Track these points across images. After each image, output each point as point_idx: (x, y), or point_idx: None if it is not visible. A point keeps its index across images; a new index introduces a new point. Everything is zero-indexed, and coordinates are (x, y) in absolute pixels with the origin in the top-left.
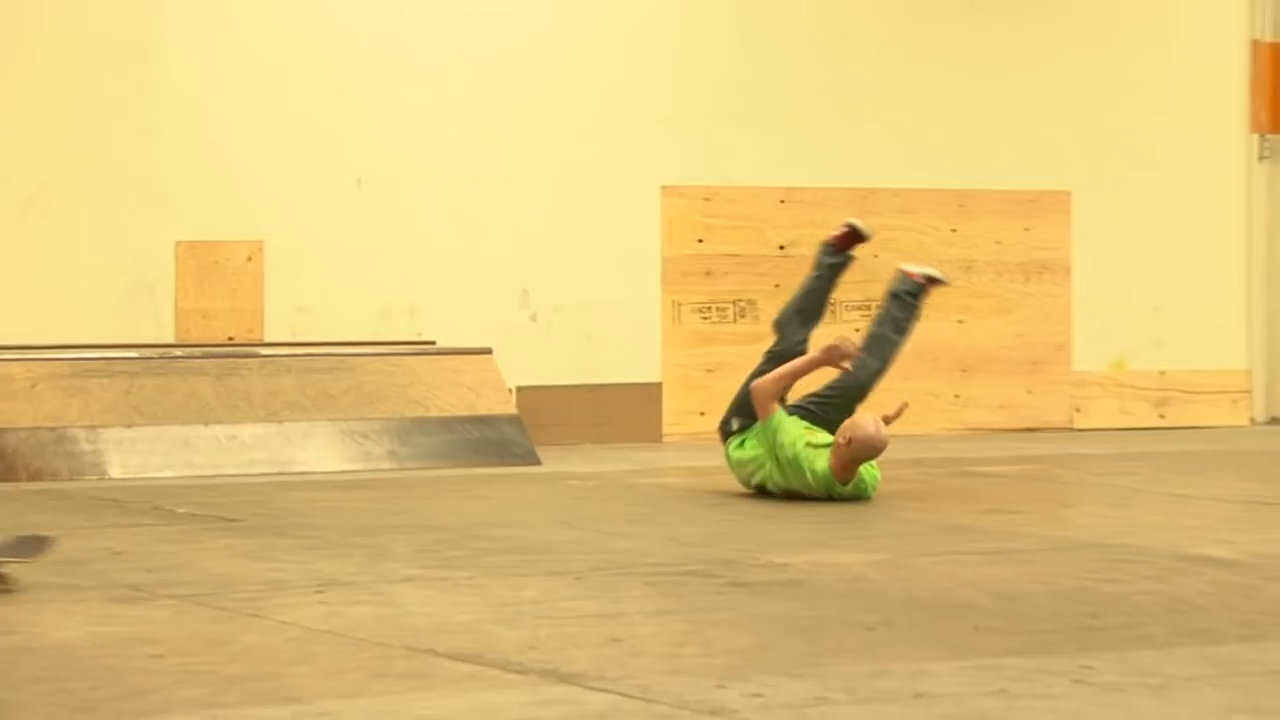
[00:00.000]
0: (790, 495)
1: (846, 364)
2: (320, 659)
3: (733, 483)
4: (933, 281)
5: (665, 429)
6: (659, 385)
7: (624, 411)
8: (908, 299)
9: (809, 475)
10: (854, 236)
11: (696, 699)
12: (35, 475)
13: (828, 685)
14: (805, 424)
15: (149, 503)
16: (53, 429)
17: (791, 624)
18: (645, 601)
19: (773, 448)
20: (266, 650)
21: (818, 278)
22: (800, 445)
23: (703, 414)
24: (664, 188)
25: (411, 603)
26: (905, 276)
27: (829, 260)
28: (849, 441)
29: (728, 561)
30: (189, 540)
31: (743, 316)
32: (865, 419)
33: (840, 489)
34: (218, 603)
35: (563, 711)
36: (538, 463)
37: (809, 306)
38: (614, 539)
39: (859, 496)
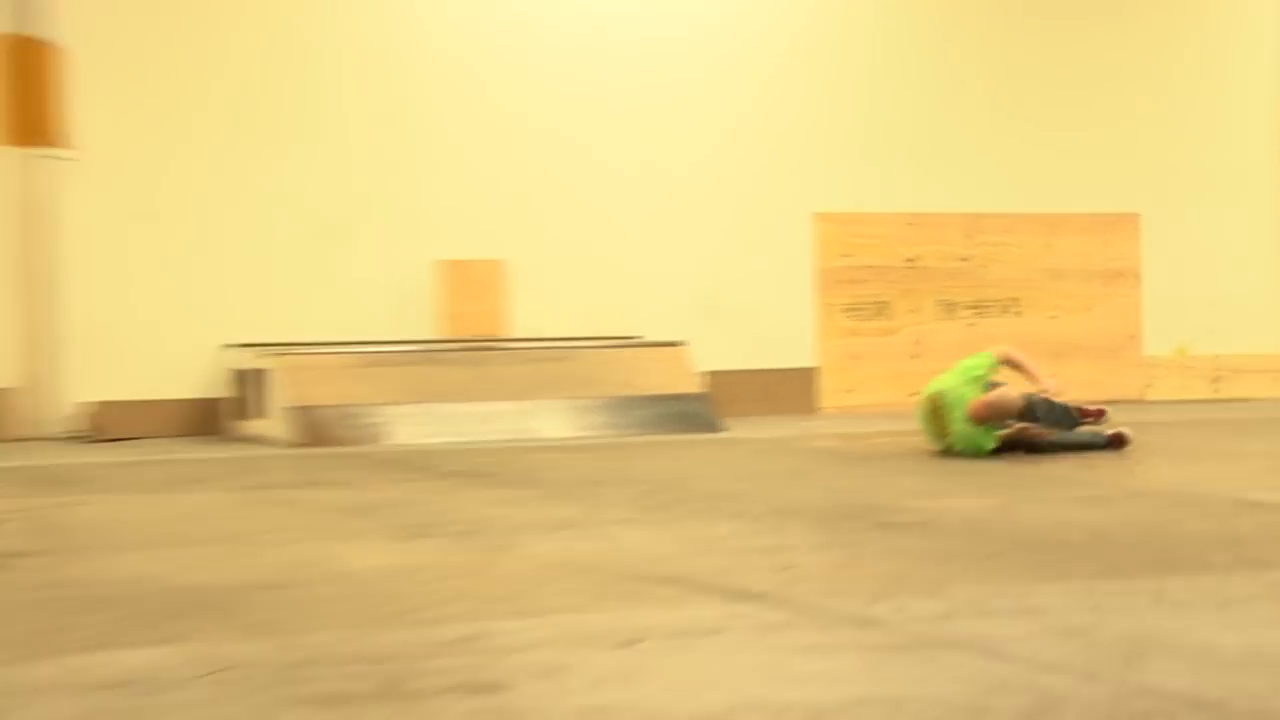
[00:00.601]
0: (930, 456)
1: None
2: (558, 583)
3: (875, 445)
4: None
5: (821, 403)
6: (815, 369)
7: (788, 390)
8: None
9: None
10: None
11: (852, 613)
12: (338, 441)
13: (956, 603)
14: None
15: (423, 463)
16: (351, 406)
17: (925, 555)
18: (809, 537)
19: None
20: (516, 576)
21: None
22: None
23: (850, 391)
24: (816, 214)
25: (626, 539)
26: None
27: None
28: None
29: (873, 506)
30: (454, 492)
31: (880, 315)
32: (1013, 392)
33: (967, 428)
34: (477, 540)
35: (749, 623)
36: (722, 430)
37: None
38: (782, 489)
39: (975, 447)
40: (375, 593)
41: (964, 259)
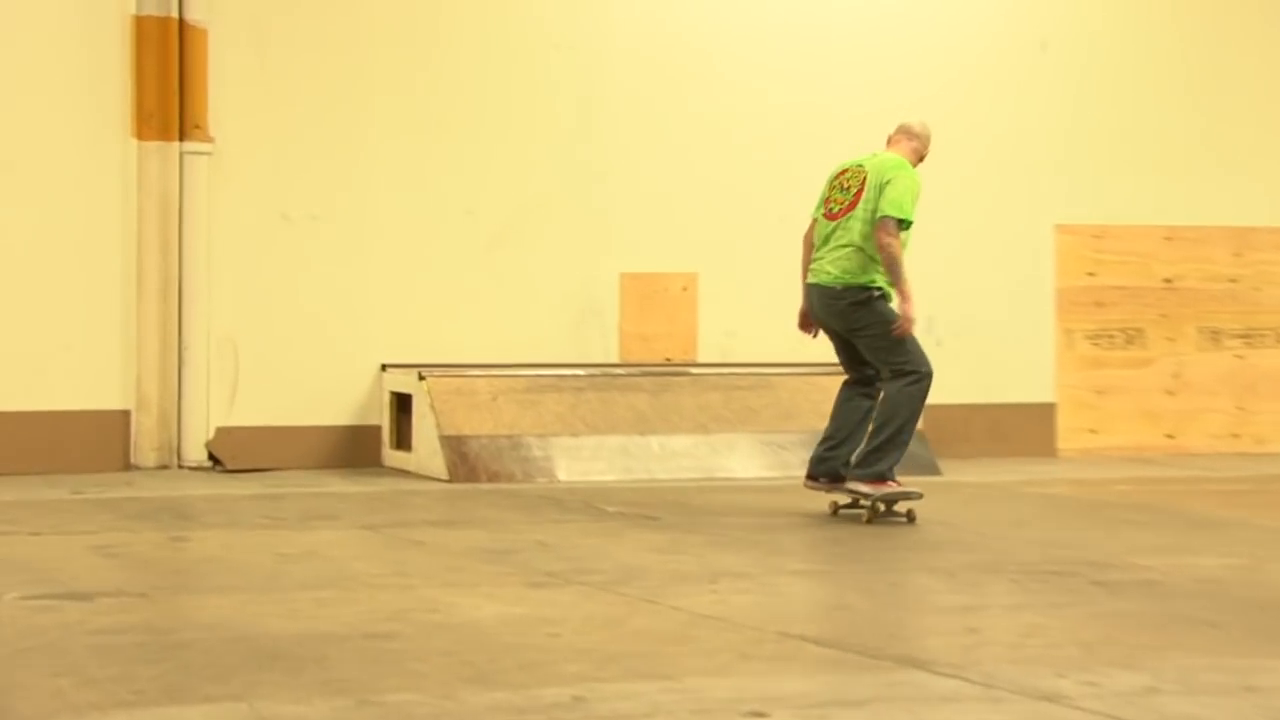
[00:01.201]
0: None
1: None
2: (698, 641)
3: (1115, 492)
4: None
5: (1059, 444)
6: (1053, 405)
7: (1020, 428)
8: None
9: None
10: None
11: (1033, 686)
12: (493, 477)
13: (1162, 677)
14: None
15: (584, 501)
16: (510, 436)
17: (1138, 620)
18: (1005, 596)
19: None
20: (652, 632)
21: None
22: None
23: (1094, 431)
24: (1057, 226)
25: (793, 592)
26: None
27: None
28: None
29: (1093, 562)
30: (610, 535)
31: (1130, 344)
32: None
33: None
34: (620, 589)
35: (905, 693)
36: (937, 473)
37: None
38: (991, 540)
39: None
40: (484, 647)
41: (1232, 280)
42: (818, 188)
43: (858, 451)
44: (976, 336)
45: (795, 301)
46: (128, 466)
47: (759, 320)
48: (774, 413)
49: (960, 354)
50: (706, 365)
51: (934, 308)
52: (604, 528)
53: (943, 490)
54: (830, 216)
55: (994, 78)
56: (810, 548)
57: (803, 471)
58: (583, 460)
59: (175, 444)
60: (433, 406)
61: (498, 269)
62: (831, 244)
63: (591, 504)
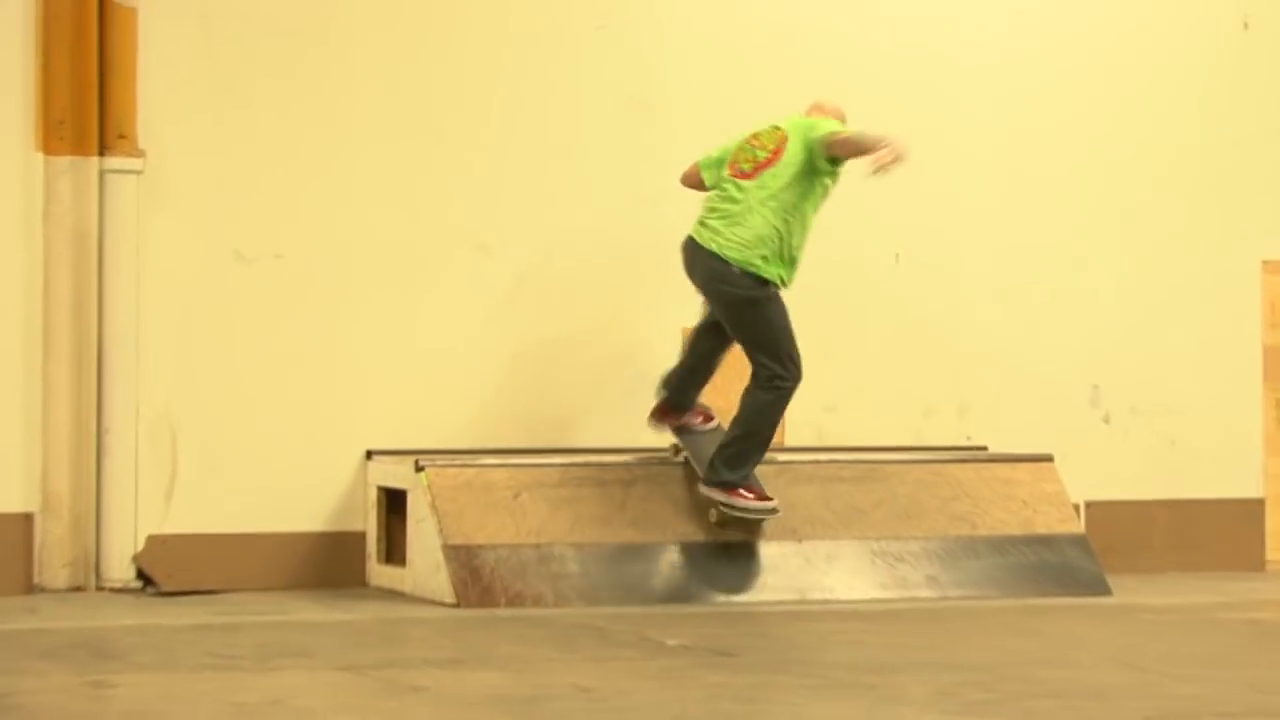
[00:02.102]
0: None
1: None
2: None
3: None
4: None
5: (1269, 554)
6: (1261, 501)
7: (1216, 532)
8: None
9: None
10: None
11: None
12: (515, 600)
13: None
14: None
15: (636, 632)
16: (537, 546)
17: None
18: None
19: None
20: None
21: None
22: None
23: None
24: (1265, 263)
25: None
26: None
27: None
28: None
29: None
30: (671, 676)
31: None
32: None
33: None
34: None
35: None
36: (1108, 592)
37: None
38: (1182, 684)
39: None
40: None
41: None
42: (942, 216)
43: (711, 455)
44: (1158, 412)
45: (918, 363)
46: (30, 588)
47: (869, 389)
48: (888, 512)
49: (1136, 435)
50: (798, 450)
51: (1100, 375)
52: (662, 667)
53: (1115, 616)
54: (740, 175)
55: (1182, 64)
56: (938, 695)
57: (926, 592)
58: (633, 576)
59: (93, 558)
60: (434, 506)
61: (520, 323)
62: (738, 209)
63: (646, 635)
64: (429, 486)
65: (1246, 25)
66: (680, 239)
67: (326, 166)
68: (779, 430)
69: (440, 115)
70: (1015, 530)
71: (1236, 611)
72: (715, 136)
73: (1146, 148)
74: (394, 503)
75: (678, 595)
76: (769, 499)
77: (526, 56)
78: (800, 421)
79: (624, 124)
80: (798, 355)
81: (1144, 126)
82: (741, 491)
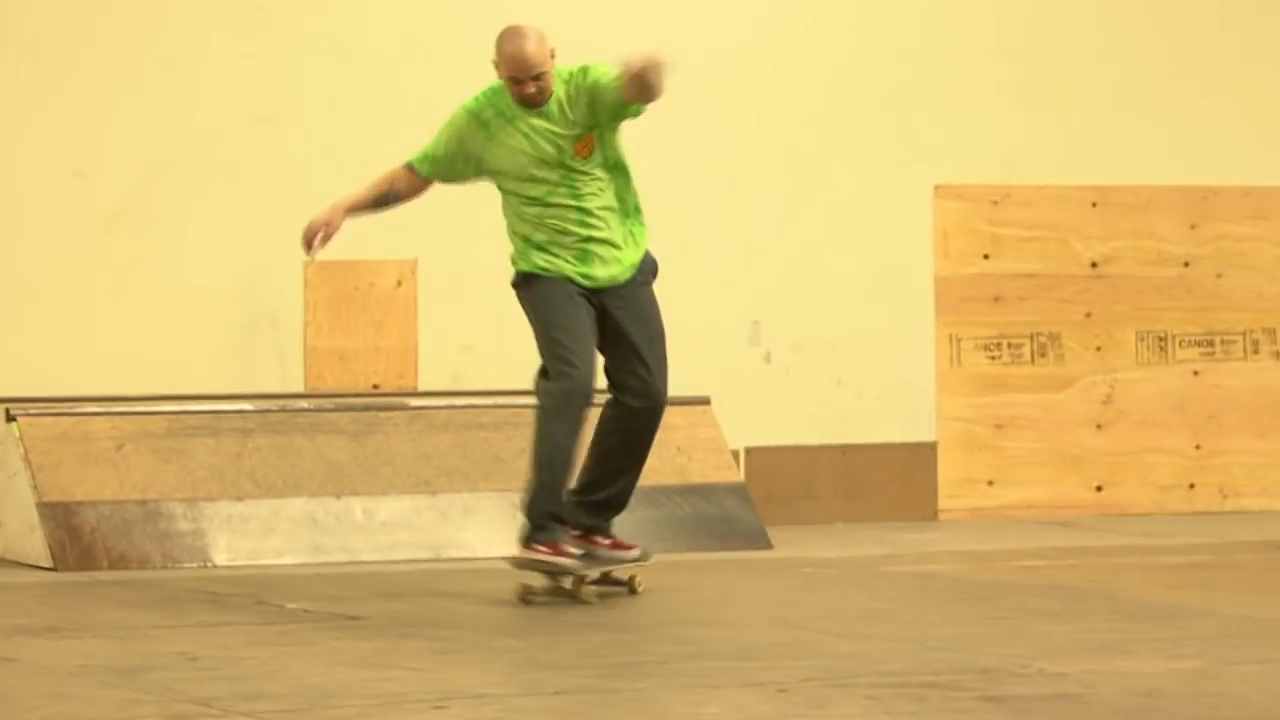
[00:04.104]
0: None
1: None
2: None
3: (1019, 574)
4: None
5: (941, 503)
6: (933, 445)
7: (886, 480)
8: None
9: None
10: None
11: None
12: (119, 562)
13: None
14: None
15: (253, 596)
16: (143, 502)
17: None
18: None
19: None
20: None
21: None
22: None
23: (991, 483)
24: (937, 188)
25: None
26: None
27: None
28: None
29: (985, 670)
30: (290, 643)
31: (1042, 355)
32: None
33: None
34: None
35: None
36: (768, 545)
37: None
38: (842, 641)
39: None
40: None
41: (1185, 264)
42: None
43: None
44: (822, 349)
45: None
46: None
47: (507, 329)
48: (529, 461)
49: (799, 374)
50: (432, 394)
51: (760, 310)
52: (279, 633)
53: (776, 570)
54: None
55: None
56: (581, 656)
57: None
58: (251, 535)
59: None
60: (27, 460)
61: (122, 257)
62: None
63: (263, 598)
64: (21, 438)
65: None
66: (299, 159)
67: None
68: (412, 371)
69: (28, 24)
70: (669, 479)
71: (904, 564)
72: (335, 48)
73: (815, 72)
74: None
75: (300, 555)
76: (571, 553)
77: (166, 28)
78: (433, 363)
79: (235, 32)
80: (561, 337)
81: (815, 50)
82: (530, 546)
